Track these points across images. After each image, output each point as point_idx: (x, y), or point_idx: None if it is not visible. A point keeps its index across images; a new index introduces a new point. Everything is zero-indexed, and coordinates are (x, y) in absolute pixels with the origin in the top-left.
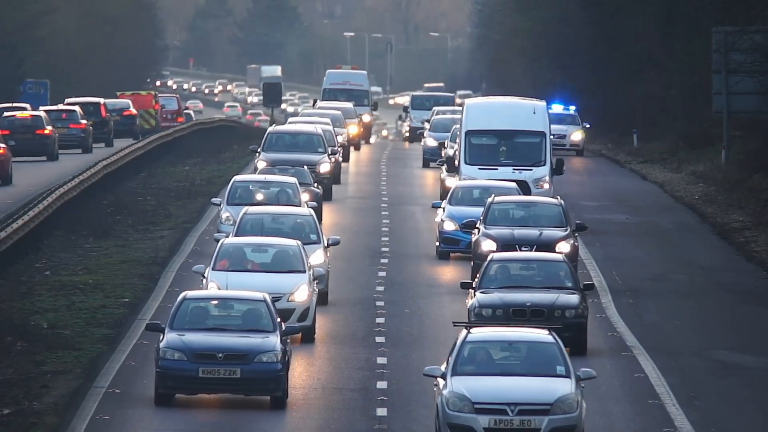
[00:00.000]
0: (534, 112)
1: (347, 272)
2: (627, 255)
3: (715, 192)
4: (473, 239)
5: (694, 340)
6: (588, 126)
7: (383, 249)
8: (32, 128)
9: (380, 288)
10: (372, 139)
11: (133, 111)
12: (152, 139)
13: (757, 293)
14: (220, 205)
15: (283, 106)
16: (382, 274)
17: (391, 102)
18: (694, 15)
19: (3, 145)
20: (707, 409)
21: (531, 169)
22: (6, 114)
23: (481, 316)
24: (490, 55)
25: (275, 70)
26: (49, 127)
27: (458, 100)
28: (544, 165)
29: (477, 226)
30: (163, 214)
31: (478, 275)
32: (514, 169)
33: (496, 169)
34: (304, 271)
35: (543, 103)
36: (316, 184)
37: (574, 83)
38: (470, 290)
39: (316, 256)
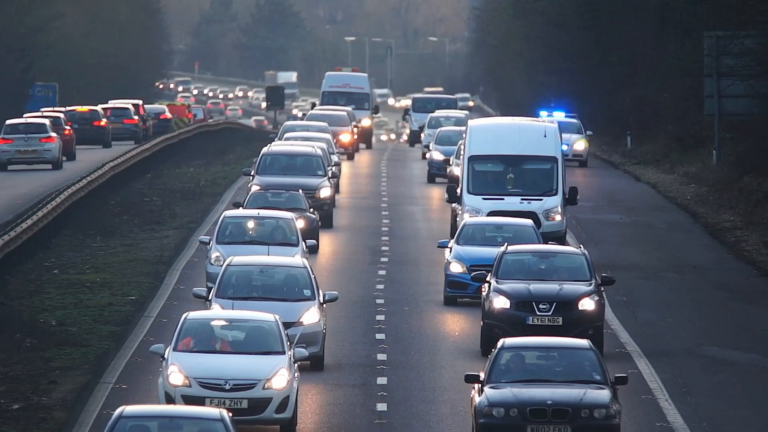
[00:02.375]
0: (545, 135)
1: (348, 271)
2: (621, 254)
3: (707, 192)
4: (483, 294)
5: (686, 337)
6: (591, 134)
7: (383, 248)
8: (90, 120)
9: (380, 286)
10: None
11: (169, 115)
12: (158, 141)
13: (747, 291)
14: (208, 243)
15: (295, 111)
16: (382, 272)
17: (397, 105)
18: (686, 20)
19: (68, 128)
20: (699, 404)
21: (541, 199)
22: (68, 108)
23: (491, 417)
24: (488, 59)
25: (291, 76)
26: (105, 120)
27: (468, 103)
28: (555, 194)
29: (488, 279)
30: (168, 214)
31: (485, 367)
32: (522, 199)
33: (503, 199)
34: (284, 352)
35: (554, 125)
36: (312, 210)
37: (569, 86)
38: (476, 385)
39: (310, 315)
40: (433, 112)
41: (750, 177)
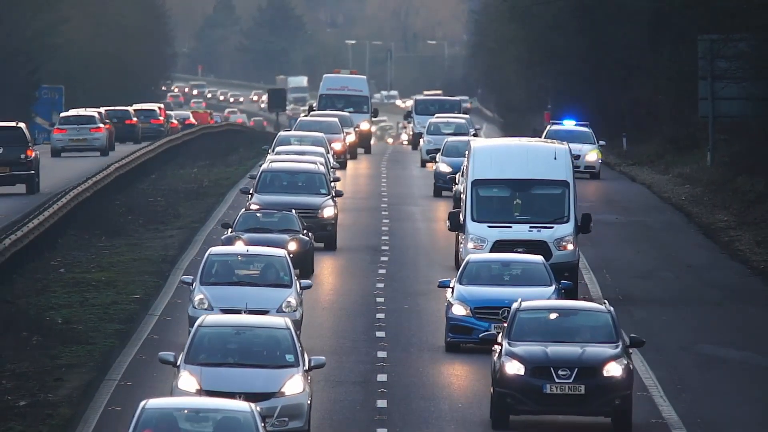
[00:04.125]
0: (555, 158)
1: (349, 269)
2: (617, 254)
3: (701, 193)
4: (494, 358)
5: (680, 335)
6: (604, 144)
7: (383, 248)
8: (122, 119)
9: (380, 285)
10: (373, 141)
11: (193, 120)
12: (162, 142)
13: (741, 290)
14: (191, 283)
15: (302, 116)
16: (382, 271)
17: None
18: (680, 24)
19: (108, 122)
20: (693, 401)
21: (552, 227)
22: (106, 108)
23: None
24: (486, 61)
25: (302, 81)
26: (135, 119)
27: (466, 105)
28: (567, 221)
29: (498, 341)
30: (172, 214)
31: None
32: (531, 227)
33: (510, 227)
34: None
35: (565, 146)
36: (305, 231)
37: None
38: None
39: (294, 384)
40: (436, 113)
41: (743, 178)
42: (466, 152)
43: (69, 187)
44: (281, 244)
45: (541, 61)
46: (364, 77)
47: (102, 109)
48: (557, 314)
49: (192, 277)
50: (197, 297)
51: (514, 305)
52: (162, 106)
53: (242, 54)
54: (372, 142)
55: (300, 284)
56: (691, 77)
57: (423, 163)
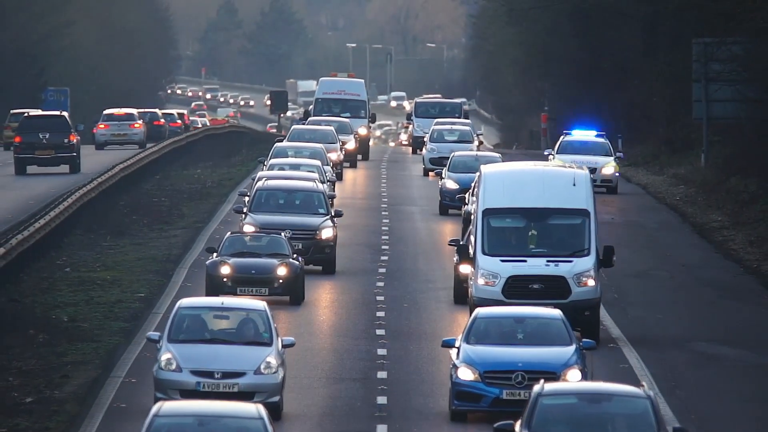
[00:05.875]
0: (574, 184)
1: (349, 268)
2: None
3: (695, 193)
4: None
5: (675, 333)
6: (622, 156)
7: (383, 247)
8: (152, 120)
9: (380, 284)
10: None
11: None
12: (166, 143)
13: (734, 288)
14: (158, 341)
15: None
16: (382, 270)
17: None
18: (675, 27)
19: (140, 122)
20: (687, 398)
21: (571, 261)
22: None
23: None
24: (484, 64)
25: (311, 85)
26: (162, 120)
27: (464, 107)
28: (588, 254)
29: (516, 429)
30: (176, 214)
31: None
32: (548, 261)
33: (525, 261)
34: None
35: (585, 172)
36: (295, 255)
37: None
38: None
39: None
40: (436, 117)
41: (737, 178)
42: (476, 177)
43: (74, 188)
44: (270, 269)
45: (538, 64)
46: (362, 81)
47: (136, 111)
48: (587, 400)
49: (159, 333)
50: (164, 356)
51: (536, 388)
52: (186, 112)
53: (245, 57)
54: (371, 143)
55: (282, 342)
56: (685, 80)
57: (425, 172)
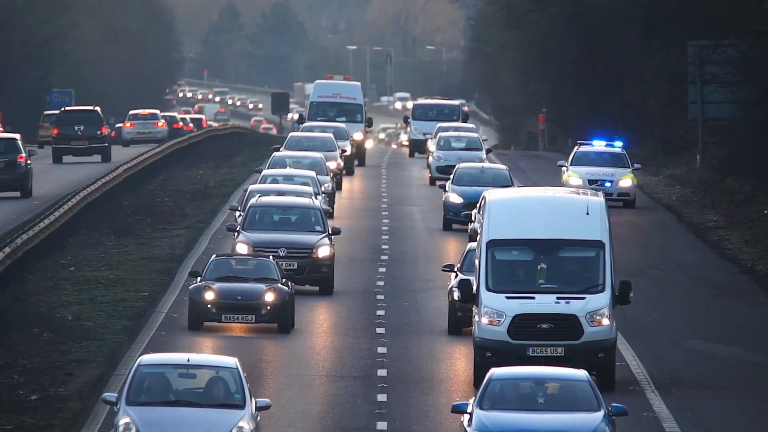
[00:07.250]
0: (587, 213)
1: (349, 268)
2: None
3: (691, 194)
4: None
5: (671, 331)
6: (639, 167)
7: (383, 247)
8: (170, 122)
9: (380, 282)
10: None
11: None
12: (169, 144)
13: (729, 287)
14: (116, 403)
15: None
16: (382, 269)
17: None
18: (671, 30)
19: (163, 121)
20: (683, 395)
21: (584, 297)
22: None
23: None
24: (482, 66)
25: None
26: (180, 123)
27: (463, 109)
28: (602, 290)
29: None
30: (179, 214)
31: None
32: (558, 298)
33: (533, 297)
34: None
35: (600, 199)
36: (285, 280)
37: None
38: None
39: None
40: (434, 119)
41: (732, 179)
42: (480, 203)
43: (78, 188)
44: (257, 295)
45: (536, 66)
46: (359, 84)
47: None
48: None
49: (116, 395)
50: (122, 421)
51: None
52: (204, 117)
53: (247, 59)
54: (371, 145)
55: (256, 403)
56: (681, 81)
57: (432, 181)
